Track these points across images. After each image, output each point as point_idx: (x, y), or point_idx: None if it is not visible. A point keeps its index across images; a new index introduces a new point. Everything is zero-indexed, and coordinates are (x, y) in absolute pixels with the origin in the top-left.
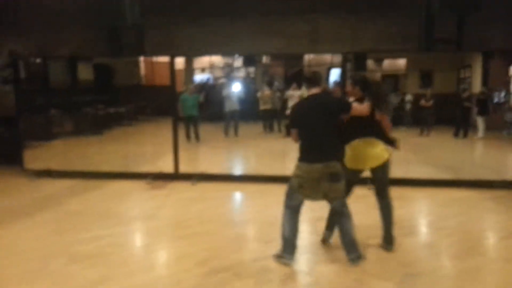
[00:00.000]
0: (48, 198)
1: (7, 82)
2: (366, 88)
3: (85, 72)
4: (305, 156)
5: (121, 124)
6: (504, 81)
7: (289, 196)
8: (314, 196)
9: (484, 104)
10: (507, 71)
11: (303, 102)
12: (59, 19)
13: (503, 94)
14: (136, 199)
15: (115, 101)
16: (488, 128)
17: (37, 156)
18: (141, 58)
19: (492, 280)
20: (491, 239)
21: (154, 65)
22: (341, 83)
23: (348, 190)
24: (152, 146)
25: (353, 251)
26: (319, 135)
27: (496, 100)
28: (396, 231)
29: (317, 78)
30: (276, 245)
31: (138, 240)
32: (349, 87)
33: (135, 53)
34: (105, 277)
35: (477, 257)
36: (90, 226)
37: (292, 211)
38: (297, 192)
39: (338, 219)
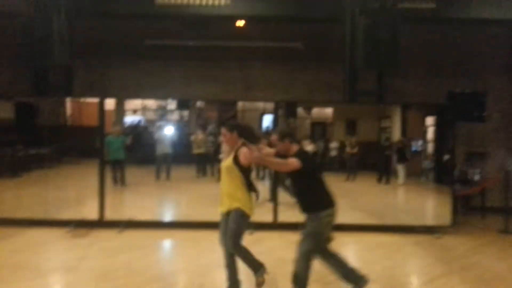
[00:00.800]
0: None
1: None
2: (242, 132)
3: (4, 111)
4: (330, 200)
5: (42, 166)
6: (421, 131)
7: None
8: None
9: (402, 152)
10: (423, 122)
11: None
12: None
13: (420, 143)
14: (55, 249)
15: (38, 142)
16: (408, 174)
17: None
18: (68, 98)
19: None
20: (416, 283)
21: (81, 105)
22: (273, 129)
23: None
24: (75, 190)
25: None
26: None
27: (414, 148)
28: (325, 278)
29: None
30: None
31: None
32: (227, 134)
33: (62, 94)
34: None
35: None
36: (3, 279)
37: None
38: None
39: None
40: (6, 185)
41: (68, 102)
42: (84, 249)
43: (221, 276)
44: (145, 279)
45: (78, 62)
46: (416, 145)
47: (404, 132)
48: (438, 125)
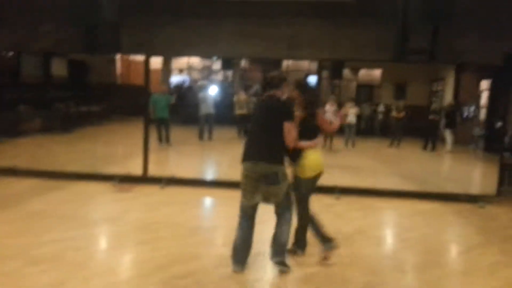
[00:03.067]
0: (9, 197)
1: None
2: (305, 92)
3: (59, 68)
4: (243, 155)
5: (92, 123)
6: (475, 96)
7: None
8: (252, 198)
9: (452, 118)
10: (477, 86)
11: (257, 102)
12: (35, 14)
13: (472, 108)
14: (101, 201)
15: (89, 99)
16: (457, 141)
17: (2, 153)
18: (118, 56)
19: None
20: (451, 252)
21: (130, 64)
22: (316, 89)
23: (306, 200)
24: (122, 147)
25: (278, 255)
26: (258, 136)
27: (465, 114)
28: (361, 241)
29: (275, 81)
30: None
31: (99, 243)
32: (290, 90)
33: (110, 51)
34: (60, 281)
35: (438, 269)
36: (50, 228)
37: (243, 216)
38: (242, 195)
39: (277, 220)
40: (58, 140)
41: (118, 61)
42: (128, 202)
43: (257, 234)
44: (185, 232)
45: (126, 20)
46: (468, 110)
47: (456, 96)
48: (493, 90)
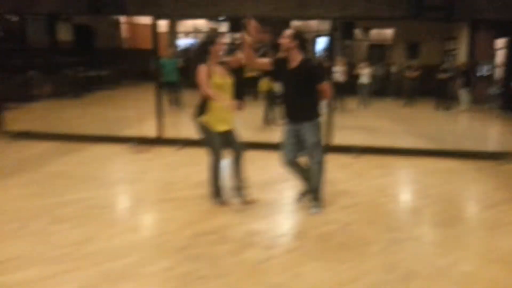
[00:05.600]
0: (29, 160)
1: None
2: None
3: (64, 33)
4: None
5: (102, 87)
6: (490, 54)
7: None
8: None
9: (467, 76)
10: (492, 44)
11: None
12: None
13: (487, 67)
14: (119, 162)
15: (96, 64)
16: (473, 101)
17: (16, 118)
18: (123, 20)
19: (475, 247)
20: (474, 208)
21: (136, 28)
22: (329, 50)
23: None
24: (134, 110)
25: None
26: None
27: (480, 73)
28: (382, 198)
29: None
30: (260, 210)
31: (122, 202)
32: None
33: (116, 12)
34: (88, 237)
35: (460, 225)
36: (72, 188)
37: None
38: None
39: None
40: (69, 104)
41: (123, 25)
42: (146, 163)
43: (270, 191)
44: (204, 192)
45: None
46: (483, 69)
47: (471, 55)
48: (510, 48)
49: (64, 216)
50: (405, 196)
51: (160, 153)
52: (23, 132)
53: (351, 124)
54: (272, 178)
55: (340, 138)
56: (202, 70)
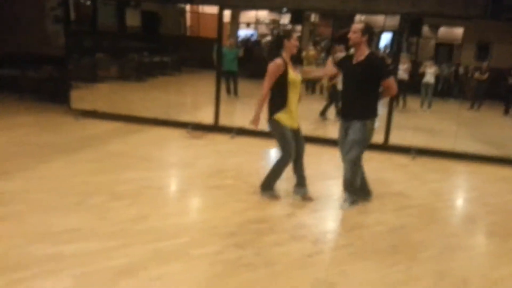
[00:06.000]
0: (92, 138)
1: (58, 22)
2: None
3: (133, 18)
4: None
5: (164, 73)
6: None
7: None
8: None
9: None
10: None
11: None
12: None
13: None
14: (175, 146)
15: (160, 50)
16: None
17: (82, 97)
18: (188, 8)
19: None
20: None
21: (200, 17)
22: (397, 47)
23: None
24: (193, 97)
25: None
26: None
27: None
28: (439, 203)
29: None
30: (311, 204)
31: (176, 185)
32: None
33: (183, 1)
34: (143, 215)
35: None
36: (131, 167)
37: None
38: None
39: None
40: (133, 87)
41: (188, 13)
42: (200, 149)
43: (321, 187)
44: (253, 180)
45: None
46: None
47: None
48: None
49: (122, 193)
50: (463, 202)
51: (215, 140)
52: (88, 111)
53: (411, 124)
54: (325, 173)
55: (398, 137)
56: (276, 65)
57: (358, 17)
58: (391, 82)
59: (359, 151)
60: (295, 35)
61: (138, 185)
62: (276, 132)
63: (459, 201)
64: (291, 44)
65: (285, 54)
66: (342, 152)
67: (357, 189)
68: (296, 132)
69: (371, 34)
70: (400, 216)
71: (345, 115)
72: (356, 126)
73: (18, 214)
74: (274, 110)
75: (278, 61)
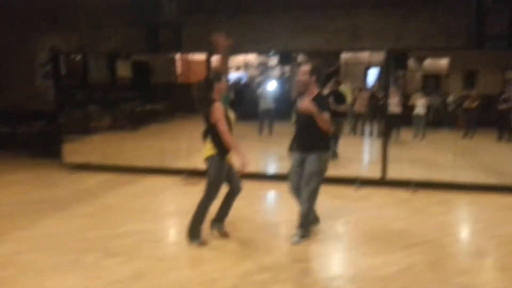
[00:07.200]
0: (85, 192)
1: (48, 78)
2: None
3: (123, 69)
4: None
5: (157, 120)
6: None
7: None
8: None
9: None
10: None
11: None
12: (99, 16)
13: None
14: (171, 195)
15: (152, 98)
16: None
17: (75, 150)
18: (178, 57)
19: None
20: None
21: (190, 64)
22: (383, 81)
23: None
24: (187, 142)
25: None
26: None
27: None
28: (445, 238)
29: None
30: (317, 249)
31: (173, 236)
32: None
33: (172, 50)
34: (140, 273)
35: None
36: (126, 220)
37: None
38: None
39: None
40: (126, 137)
41: (178, 61)
42: (197, 196)
43: (323, 228)
44: (252, 226)
45: (186, 19)
46: None
47: None
48: None
49: (117, 249)
50: (470, 236)
51: None
52: (81, 164)
53: (406, 156)
54: (325, 213)
55: (395, 171)
56: (221, 108)
57: (300, 58)
58: (324, 117)
59: (318, 182)
60: (224, 78)
61: (133, 239)
62: (215, 171)
63: (466, 235)
64: (221, 86)
65: (216, 96)
66: (294, 184)
67: (310, 222)
68: (230, 168)
69: (319, 74)
70: (408, 255)
71: (301, 148)
72: (312, 158)
73: (10, 279)
74: (221, 148)
75: (218, 104)
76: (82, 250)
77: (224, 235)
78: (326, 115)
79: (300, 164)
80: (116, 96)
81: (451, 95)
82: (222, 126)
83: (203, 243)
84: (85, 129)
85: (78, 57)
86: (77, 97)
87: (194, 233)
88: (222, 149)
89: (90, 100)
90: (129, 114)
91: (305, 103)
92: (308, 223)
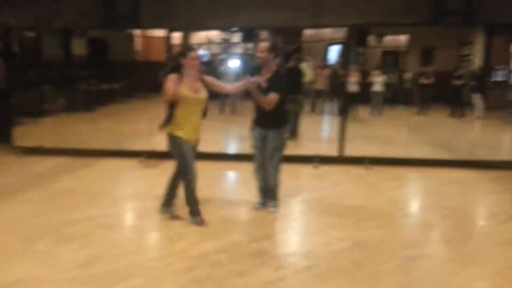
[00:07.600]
0: (38, 176)
1: None
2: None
3: (79, 47)
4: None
5: (115, 101)
6: (506, 59)
7: None
8: None
9: (480, 82)
10: (509, 49)
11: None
12: None
13: (503, 72)
14: (129, 178)
15: (110, 77)
16: (488, 108)
17: (27, 133)
18: (137, 33)
19: (492, 264)
20: (492, 221)
21: (149, 41)
22: (344, 59)
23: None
24: (146, 123)
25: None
26: None
27: (496, 78)
28: (396, 212)
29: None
30: (273, 227)
31: (130, 220)
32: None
33: (130, 26)
34: (94, 258)
35: (478, 240)
36: (80, 205)
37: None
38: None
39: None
40: (82, 118)
41: (137, 38)
42: (156, 178)
43: (281, 206)
44: (210, 208)
45: None
46: (499, 74)
47: (487, 60)
48: None
49: (71, 235)
50: (420, 210)
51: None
52: (33, 147)
53: (364, 133)
54: (283, 192)
55: (352, 148)
56: (170, 78)
57: (264, 35)
58: (272, 97)
59: (280, 157)
60: (193, 52)
61: (88, 224)
62: (172, 149)
63: (416, 209)
64: (189, 62)
65: (188, 72)
66: (260, 159)
67: (278, 191)
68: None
69: (277, 51)
70: (360, 230)
71: (262, 125)
72: (273, 135)
73: None
74: (169, 121)
75: (171, 76)
76: (34, 236)
77: (176, 217)
78: (272, 96)
79: (262, 141)
80: (71, 75)
81: (408, 72)
82: (167, 87)
83: (203, 222)
84: (38, 110)
85: (31, 35)
86: (30, 76)
87: (194, 213)
88: (168, 121)
89: (44, 80)
90: (85, 94)
91: (248, 81)
92: (278, 193)
